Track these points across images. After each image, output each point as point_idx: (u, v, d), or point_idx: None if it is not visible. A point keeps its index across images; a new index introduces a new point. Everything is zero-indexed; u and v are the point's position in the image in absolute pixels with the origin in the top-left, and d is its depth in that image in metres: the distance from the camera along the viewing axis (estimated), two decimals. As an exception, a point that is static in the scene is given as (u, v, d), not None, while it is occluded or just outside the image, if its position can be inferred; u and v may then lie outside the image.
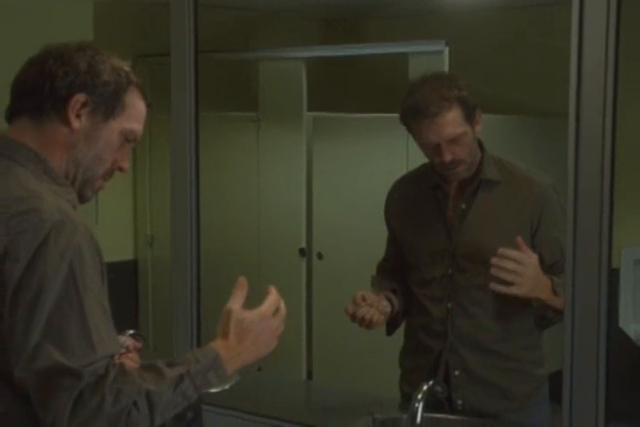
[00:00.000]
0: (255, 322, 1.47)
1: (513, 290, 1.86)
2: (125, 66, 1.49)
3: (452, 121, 1.93)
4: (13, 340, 1.30)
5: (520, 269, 1.85)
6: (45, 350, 1.28)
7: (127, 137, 1.48)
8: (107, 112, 1.44)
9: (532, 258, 1.86)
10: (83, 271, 1.31)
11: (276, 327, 1.50)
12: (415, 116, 1.95)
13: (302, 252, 2.97)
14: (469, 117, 1.95)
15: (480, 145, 2.02)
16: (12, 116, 1.47)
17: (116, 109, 1.45)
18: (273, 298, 1.51)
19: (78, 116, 1.42)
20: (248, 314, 1.47)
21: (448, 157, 1.95)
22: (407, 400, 1.91)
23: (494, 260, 1.85)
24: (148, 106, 1.51)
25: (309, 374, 2.93)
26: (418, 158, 2.18)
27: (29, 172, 1.40)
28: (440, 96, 1.93)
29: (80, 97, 1.42)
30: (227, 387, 1.77)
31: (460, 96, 1.94)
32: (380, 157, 2.79)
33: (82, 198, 1.49)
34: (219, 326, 1.47)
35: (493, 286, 1.86)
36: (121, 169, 1.51)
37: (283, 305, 1.51)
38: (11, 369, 1.32)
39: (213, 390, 1.55)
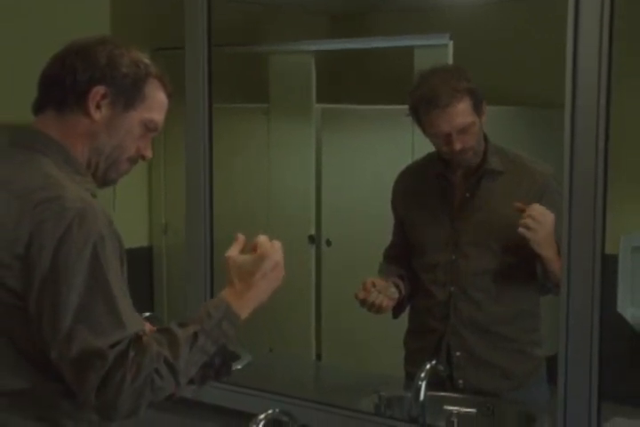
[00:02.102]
0: (256, 262, 1.50)
1: (528, 233, 1.93)
2: (145, 58, 1.54)
3: (462, 111, 2.00)
4: (42, 324, 1.35)
5: (539, 217, 1.93)
6: (79, 334, 1.33)
7: (148, 126, 1.53)
8: (126, 103, 1.50)
9: (550, 215, 1.92)
10: (105, 255, 1.36)
11: (279, 260, 1.51)
12: (427, 107, 2.01)
13: (311, 239, 3.01)
14: (477, 108, 2.02)
15: (484, 135, 2.09)
16: (38, 108, 1.53)
17: (136, 100, 1.50)
18: (263, 241, 1.52)
19: (98, 107, 1.48)
20: (246, 257, 1.50)
21: (458, 146, 2.02)
22: (411, 379, 1.99)
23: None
24: (169, 96, 1.56)
25: (318, 357, 2.97)
26: (423, 148, 2.24)
27: (52, 161, 1.46)
28: (451, 87, 2.00)
29: (100, 89, 1.47)
30: (239, 367, 1.85)
31: (470, 87, 2.01)
32: (387, 146, 2.83)
33: (107, 181, 1.55)
34: (226, 276, 1.50)
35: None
36: (143, 157, 1.56)
37: (275, 242, 1.53)
38: (35, 349, 1.38)
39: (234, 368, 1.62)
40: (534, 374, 2.14)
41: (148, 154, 1.57)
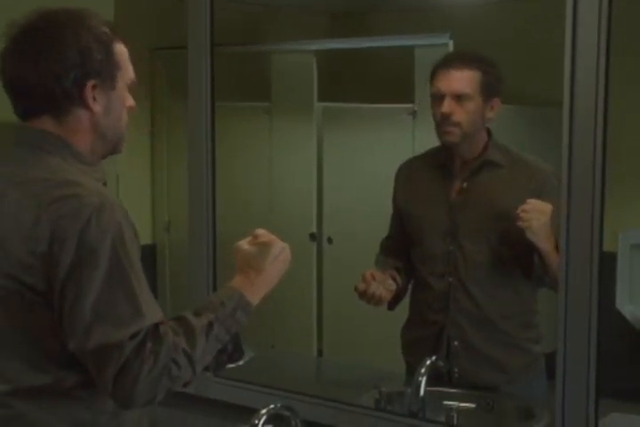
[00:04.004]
0: (265, 247, 1.53)
1: (523, 223, 1.96)
2: (101, 25, 1.50)
3: (465, 79, 2.07)
4: (62, 317, 1.37)
5: (532, 208, 1.96)
6: (99, 326, 1.34)
7: (129, 84, 1.55)
8: (112, 81, 1.51)
9: (547, 206, 1.95)
10: (124, 247, 1.38)
11: (285, 244, 1.56)
12: (440, 65, 2.11)
13: (313, 236, 3.03)
14: (484, 92, 2.07)
15: (488, 131, 2.13)
16: (27, 115, 1.51)
17: (115, 73, 1.51)
18: (263, 232, 1.56)
19: (95, 99, 1.48)
20: (254, 246, 1.54)
21: (445, 109, 2.06)
22: (411, 370, 2.02)
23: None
24: (125, 42, 1.54)
25: (319, 353, 2.99)
26: (424, 146, 2.27)
27: (59, 157, 1.47)
28: (471, 60, 2.09)
29: (89, 84, 1.47)
30: (241, 363, 1.87)
31: (488, 71, 2.08)
32: (387, 145, 2.84)
33: (116, 152, 1.58)
34: (235, 265, 1.53)
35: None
36: (131, 108, 1.57)
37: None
38: (55, 345, 1.39)
39: (231, 366, 1.64)
40: (530, 369, 2.15)
41: (132, 103, 1.57)
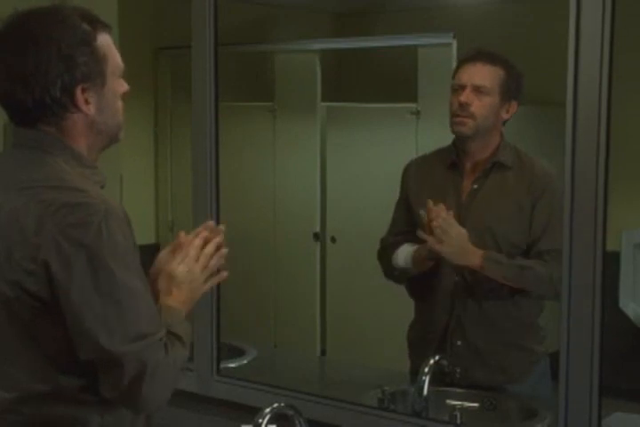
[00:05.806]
0: (183, 274, 1.53)
1: (439, 246, 2.02)
2: (79, 21, 1.43)
3: (488, 74, 2.10)
4: (74, 328, 1.37)
5: (446, 227, 2.01)
6: (114, 338, 1.35)
7: (118, 74, 1.51)
8: (101, 78, 1.47)
9: (460, 229, 2.02)
10: (129, 258, 1.38)
11: (200, 275, 1.55)
12: (467, 59, 2.15)
13: (316, 236, 3.04)
14: (504, 90, 2.10)
15: (501, 133, 2.14)
16: (21, 124, 1.49)
17: (103, 69, 1.47)
18: (162, 256, 1.58)
19: (87, 102, 1.46)
20: (176, 269, 1.53)
21: (464, 98, 2.09)
22: (416, 369, 2.02)
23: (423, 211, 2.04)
24: (108, 27, 1.49)
25: (323, 353, 3.00)
26: (427, 146, 2.28)
27: (61, 160, 1.46)
28: (499, 59, 2.11)
29: (79, 89, 1.45)
30: (245, 362, 1.88)
31: (511, 73, 2.10)
32: (390, 144, 2.85)
33: (116, 141, 1.55)
34: (159, 286, 1.53)
35: (421, 234, 2.05)
36: (125, 93, 1.53)
37: (212, 241, 1.59)
38: (61, 352, 1.40)
39: (232, 365, 1.66)
40: (533, 369, 2.16)
41: (126, 87, 1.54)
